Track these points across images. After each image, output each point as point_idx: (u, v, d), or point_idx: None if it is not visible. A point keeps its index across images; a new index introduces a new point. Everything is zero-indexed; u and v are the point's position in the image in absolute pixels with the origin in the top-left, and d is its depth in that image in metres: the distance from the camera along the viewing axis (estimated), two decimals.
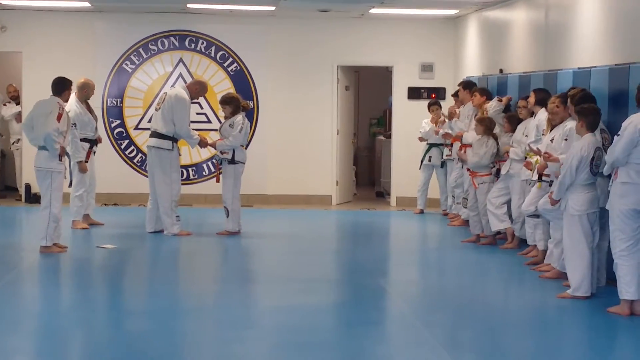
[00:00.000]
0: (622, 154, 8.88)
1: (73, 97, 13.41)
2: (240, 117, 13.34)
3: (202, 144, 13.65)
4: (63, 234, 12.18)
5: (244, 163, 13.49)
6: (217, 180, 13.61)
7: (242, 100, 13.56)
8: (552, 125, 10.73)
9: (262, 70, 17.42)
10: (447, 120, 15.21)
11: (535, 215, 10.93)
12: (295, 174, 17.54)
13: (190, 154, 17.04)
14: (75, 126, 13.33)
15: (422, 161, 16.15)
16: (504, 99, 13.34)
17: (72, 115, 13.12)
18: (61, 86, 12.02)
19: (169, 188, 13.26)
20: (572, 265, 9.66)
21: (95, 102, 14.55)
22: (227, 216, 13.48)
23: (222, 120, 13.99)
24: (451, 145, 15.12)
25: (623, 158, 8.90)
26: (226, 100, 13.49)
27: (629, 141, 8.82)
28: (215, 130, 17.29)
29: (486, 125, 12.83)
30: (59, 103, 11.81)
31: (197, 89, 13.69)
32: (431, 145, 16.02)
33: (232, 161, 13.34)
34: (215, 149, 13.54)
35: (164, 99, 13.33)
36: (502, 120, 12.84)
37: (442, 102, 16.37)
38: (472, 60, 16.41)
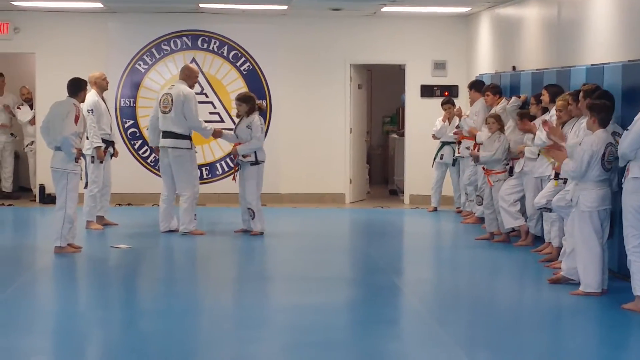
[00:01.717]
0: (629, 147, 8.89)
1: (92, 91, 13.58)
2: (257, 118, 13.30)
3: (217, 134, 13.57)
4: (78, 235, 12.20)
5: (264, 162, 13.51)
6: (234, 179, 13.56)
7: (257, 101, 13.55)
8: (561, 122, 10.72)
9: (275, 69, 17.42)
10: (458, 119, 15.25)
11: (547, 208, 10.92)
12: (309, 173, 17.54)
13: (204, 154, 17.06)
14: (93, 112, 13.43)
15: (434, 159, 16.15)
16: (522, 96, 13.34)
17: (89, 102, 13.28)
18: (77, 87, 12.03)
19: (191, 186, 13.31)
20: (583, 261, 9.64)
21: (108, 102, 14.57)
22: (253, 217, 13.42)
23: (231, 120, 13.94)
24: (459, 143, 15.13)
25: (630, 152, 8.90)
26: (243, 99, 13.41)
27: (637, 136, 8.81)
28: (229, 129, 17.33)
29: (499, 122, 12.87)
30: (75, 105, 11.84)
31: (188, 74, 13.61)
32: (444, 143, 16.01)
33: (256, 162, 13.34)
34: (236, 155, 13.35)
35: (171, 100, 13.29)
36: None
37: (455, 100, 16.37)
38: (485, 58, 16.39)
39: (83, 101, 12.36)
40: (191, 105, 13.24)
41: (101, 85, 13.89)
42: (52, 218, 12.07)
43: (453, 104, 15.90)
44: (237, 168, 13.50)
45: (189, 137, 13.28)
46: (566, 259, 10.17)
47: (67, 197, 11.75)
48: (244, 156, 13.30)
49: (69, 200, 11.75)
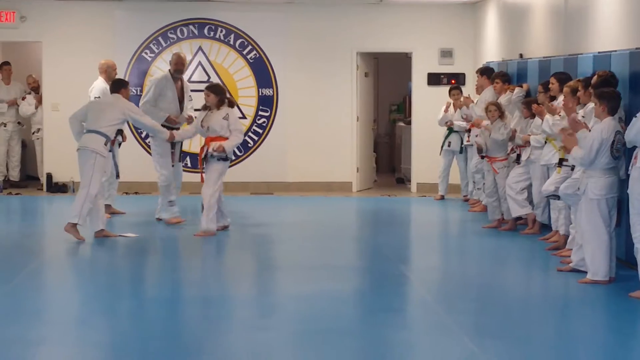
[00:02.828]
0: (637, 135, 8.87)
1: (100, 78, 13.72)
2: (232, 111, 12.56)
3: (171, 137, 12.78)
4: (83, 224, 12.14)
5: (231, 159, 12.82)
6: (202, 180, 12.62)
7: (229, 96, 12.77)
8: (568, 110, 10.69)
9: (281, 58, 17.41)
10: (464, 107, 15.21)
11: (555, 195, 10.91)
12: (316, 161, 17.53)
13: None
14: (100, 99, 13.54)
15: (442, 147, 16.14)
16: (524, 85, 13.33)
17: (98, 89, 13.69)
18: (119, 85, 12.51)
19: (158, 173, 13.27)
20: (591, 249, 9.63)
21: None
22: (202, 211, 12.52)
23: (238, 108, 13.51)
24: (469, 131, 15.11)
25: (638, 139, 8.87)
26: (213, 89, 12.58)
27: None
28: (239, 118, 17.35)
29: (500, 109, 12.92)
30: (124, 99, 12.34)
31: (170, 61, 13.67)
32: (451, 131, 15.99)
33: (225, 158, 12.47)
34: (219, 152, 12.35)
35: None
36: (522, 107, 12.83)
37: (462, 88, 16.36)
38: (492, 46, 16.36)
39: (127, 98, 12.46)
40: (147, 88, 13.44)
41: (110, 75, 13.94)
42: (70, 204, 12.07)
43: (460, 91, 15.90)
44: (202, 166, 12.63)
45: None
46: (576, 250, 10.14)
47: (93, 176, 11.81)
48: (214, 150, 12.36)
49: (93, 179, 11.82)
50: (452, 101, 15.84)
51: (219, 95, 12.50)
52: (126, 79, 16.99)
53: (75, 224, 11.86)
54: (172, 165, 13.36)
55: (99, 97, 13.55)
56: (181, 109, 13.44)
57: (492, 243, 12.30)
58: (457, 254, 12.24)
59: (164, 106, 13.29)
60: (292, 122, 17.43)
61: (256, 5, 17.28)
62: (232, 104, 12.70)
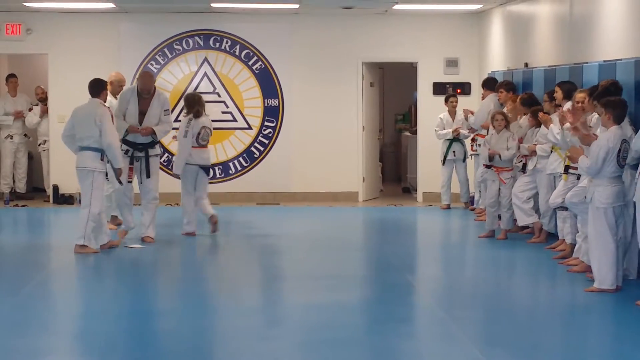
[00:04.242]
0: None
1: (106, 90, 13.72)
2: (184, 120, 12.93)
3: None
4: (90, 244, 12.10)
5: (196, 165, 13.05)
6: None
7: (195, 106, 13.02)
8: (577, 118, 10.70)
9: (287, 68, 17.43)
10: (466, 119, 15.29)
11: (563, 207, 10.90)
12: (321, 171, 17.54)
13: (217, 153, 17.05)
14: None
15: (445, 156, 16.14)
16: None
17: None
18: (98, 87, 12.09)
19: None
20: (597, 257, 9.63)
21: None
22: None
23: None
24: (474, 139, 15.12)
25: None
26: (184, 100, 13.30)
27: None
28: (242, 128, 17.28)
29: (506, 119, 12.93)
30: (102, 104, 11.93)
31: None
32: (452, 140, 16.02)
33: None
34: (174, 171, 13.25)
35: None
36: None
37: (467, 97, 16.41)
38: (497, 55, 16.37)
39: (105, 101, 12.32)
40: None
41: (114, 89, 13.79)
42: (77, 216, 12.03)
43: (455, 97, 16.08)
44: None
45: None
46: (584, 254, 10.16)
47: (92, 195, 11.78)
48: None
49: (94, 198, 11.78)
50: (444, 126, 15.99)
51: (186, 106, 13.18)
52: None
53: (83, 245, 11.86)
54: (130, 182, 13.08)
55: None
56: (141, 122, 12.88)
57: (498, 252, 12.29)
58: (464, 263, 12.23)
59: (127, 118, 13.02)
60: (298, 132, 17.45)
61: (261, 16, 17.31)
62: (195, 114, 13.04)
